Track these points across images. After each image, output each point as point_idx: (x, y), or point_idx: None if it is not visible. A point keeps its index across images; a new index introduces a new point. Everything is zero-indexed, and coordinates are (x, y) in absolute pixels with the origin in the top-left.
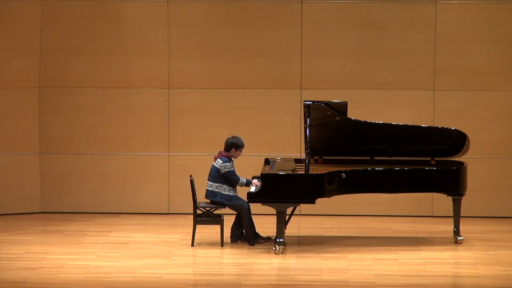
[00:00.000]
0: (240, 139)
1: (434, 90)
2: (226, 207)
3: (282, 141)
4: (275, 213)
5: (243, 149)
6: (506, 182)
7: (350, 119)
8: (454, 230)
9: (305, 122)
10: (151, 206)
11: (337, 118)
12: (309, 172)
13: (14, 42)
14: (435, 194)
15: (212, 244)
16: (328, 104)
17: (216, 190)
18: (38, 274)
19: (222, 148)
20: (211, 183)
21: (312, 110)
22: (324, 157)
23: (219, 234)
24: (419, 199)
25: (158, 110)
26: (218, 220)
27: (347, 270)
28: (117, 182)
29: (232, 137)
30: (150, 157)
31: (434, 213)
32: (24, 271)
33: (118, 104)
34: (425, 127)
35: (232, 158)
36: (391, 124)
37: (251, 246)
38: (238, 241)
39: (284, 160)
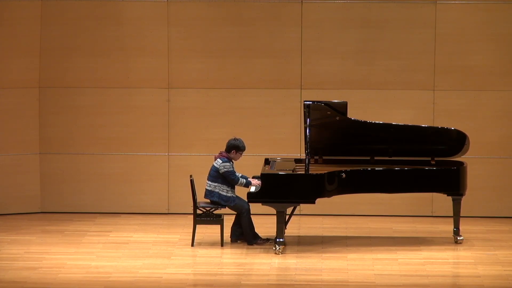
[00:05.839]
0: (242, 141)
1: (434, 90)
2: (226, 207)
3: (282, 141)
4: (275, 213)
5: (244, 152)
6: (506, 182)
7: (350, 119)
8: (454, 230)
9: (305, 122)
10: (151, 206)
11: (337, 118)
12: (309, 172)
13: (14, 42)
14: (435, 194)
15: (212, 244)
16: (328, 104)
17: (214, 190)
18: (38, 274)
19: (222, 148)
20: (210, 182)
21: (312, 110)
22: (324, 157)
23: (219, 234)
24: (419, 199)
25: (158, 110)
26: (218, 220)
27: (347, 270)
28: (117, 182)
29: (234, 139)
30: (150, 157)
31: (434, 213)
32: (24, 271)
33: (118, 104)
34: (425, 127)
35: (232, 160)
36: (391, 124)
37: (250, 246)
38: (238, 241)
39: (284, 160)
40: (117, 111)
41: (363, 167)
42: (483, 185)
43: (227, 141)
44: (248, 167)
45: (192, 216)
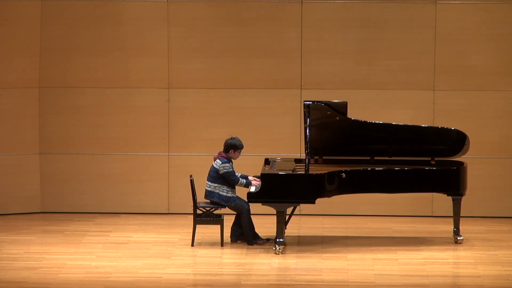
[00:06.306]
0: (239, 140)
1: (434, 90)
2: (226, 207)
3: (282, 141)
4: (275, 213)
5: (243, 150)
6: (506, 182)
7: (350, 119)
8: (454, 230)
9: (305, 122)
10: (151, 206)
11: (337, 118)
12: (309, 172)
13: (14, 42)
14: (435, 194)
15: (212, 244)
16: (328, 104)
17: (214, 190)
18: (38, 274)
19: (222, 149)
20: (209, 183)
21: (312, 110)
22: (324, 157)
23: (219, 234)
24: (419, 199)
25: (158, 110)
26: (218, 220)
27: (347, 270)
28: (117, 182)
29: (231, 138)
30: (150, 157)
31: (434, 213)
32: (24, 271)
33: (118, 104)
34: (425, 127)
35: (232, 159)
36: (391, 124)
37: (250, 246)
38: (238, 241)
39: (284, 160)
40: (117, 111)
41: (363, 167)
42: (483, 185)
43: (224, 141)
44: (248, 167)
45: (192, 216)
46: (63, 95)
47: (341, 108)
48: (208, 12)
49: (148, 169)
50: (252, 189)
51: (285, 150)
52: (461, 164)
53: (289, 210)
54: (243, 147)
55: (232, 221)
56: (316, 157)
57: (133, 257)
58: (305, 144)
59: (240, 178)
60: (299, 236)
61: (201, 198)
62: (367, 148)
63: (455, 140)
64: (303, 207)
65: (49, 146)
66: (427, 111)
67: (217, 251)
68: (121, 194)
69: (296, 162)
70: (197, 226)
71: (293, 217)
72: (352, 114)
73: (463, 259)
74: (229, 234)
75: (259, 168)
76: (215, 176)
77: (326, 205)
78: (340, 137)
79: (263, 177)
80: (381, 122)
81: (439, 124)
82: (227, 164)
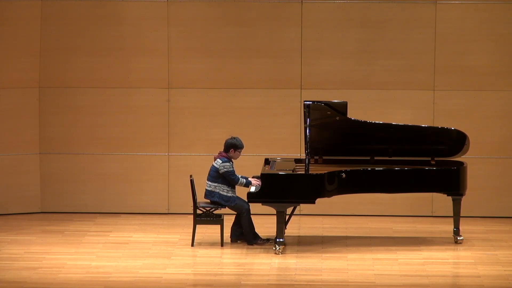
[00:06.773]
0: (239, 139)
1: (434, 90)
2: (226, 207)
3: (282, 141)
4: (275, 213)
5: (243, 150)
6: (506, 182)
7: (350, 119)
8: (454, 230)
9: (305, 122)
10: (151, 206)
11: (337, 118)
12: (309, 172)
13: (14, 42)
14: (435, 194)
15: (212, 244)
16: (328, 104)
17: (214, 190)
18: (38, 274)
19: (222, 148)
20: (210, 183)
21: (312, 110)
22: (324, 157)
23: (219, 234)
24: (419, 199)
25: (158, 110)
26: (218, 220)
27: (347, 270)
28: (117, 182)
29: (231, 138)
30: (150, 157)
31: (434, 213)
32: (24, 271)
33: (118, 104)
34: (425, 127)
35: (232, 159)
36: (391, 124)
37: (250, 246)
38: (238, 241)
39: (284, 160)
40: (117, 111)
41: (363, 167)
42: (483, 185)
43: (224, 141)
44: (248, 167)
45: (192, 216)
46: (63, 95)
47: (341, 108)
48: (208, 12)
49: (148, 169)
50: (252, 189)
51: (285, 150)
52: (461, 164)
53: (289, 210)
54: (243, 147)
55: (232, 221)
56: (316, 157)
57: (133, 257)
58: (305, 144)
59: (240, 178)
60: (299, 236)
61: (201, 198)
62: (367, 148)
63: (455, 140)
64: (303, 207)
65: (49, 146)
66: (427, 111)
67: (217, 251)
68: (121, 194)
69: (296, 162)
70: (197, 226)
71: (293, 217)
72: (352, 114)
73: (463, 259)
74: (229, 234)
75: (259, 168)
76: (215, 175)
77: (326, 205)
78: (340, 137)
79: (263, 177)
80: (381, 122)
81: (439, 124)
82: (227, 164)
